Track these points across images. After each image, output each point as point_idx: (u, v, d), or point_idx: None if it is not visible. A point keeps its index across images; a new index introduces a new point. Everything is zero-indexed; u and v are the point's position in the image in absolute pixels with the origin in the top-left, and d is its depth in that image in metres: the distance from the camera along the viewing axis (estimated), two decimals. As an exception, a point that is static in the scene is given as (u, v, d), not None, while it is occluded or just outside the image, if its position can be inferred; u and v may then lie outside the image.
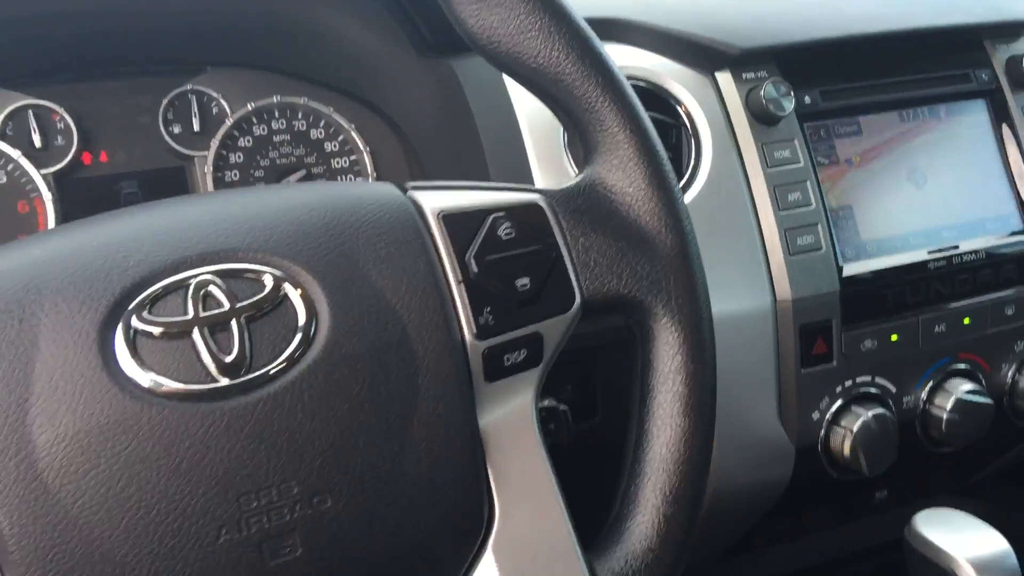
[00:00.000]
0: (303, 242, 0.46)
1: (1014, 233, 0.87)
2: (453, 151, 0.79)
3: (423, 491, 0.46)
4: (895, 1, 0.88)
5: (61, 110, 0.78)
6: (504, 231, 0.50)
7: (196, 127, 0.82)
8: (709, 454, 0.52)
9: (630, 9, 0.82)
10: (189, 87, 0.82)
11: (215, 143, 0.82)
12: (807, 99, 0.81)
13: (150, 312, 0.43)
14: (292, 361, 0.44)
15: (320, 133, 0.85)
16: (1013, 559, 0.70)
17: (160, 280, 0.44)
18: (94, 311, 0.42)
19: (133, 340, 0.42)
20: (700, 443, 0.52)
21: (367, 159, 0.85)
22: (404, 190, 0.51)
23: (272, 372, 0.43)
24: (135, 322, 0.43)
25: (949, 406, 0.84)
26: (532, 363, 0.50)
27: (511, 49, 0.52)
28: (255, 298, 0.44)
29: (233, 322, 0.44)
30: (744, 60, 0.80)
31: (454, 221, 0.49)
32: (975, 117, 0.89)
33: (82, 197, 0.79)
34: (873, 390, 0.83)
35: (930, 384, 0.85)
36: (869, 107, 0.85)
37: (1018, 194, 0.88)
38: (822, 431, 0.82)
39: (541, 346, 0.50)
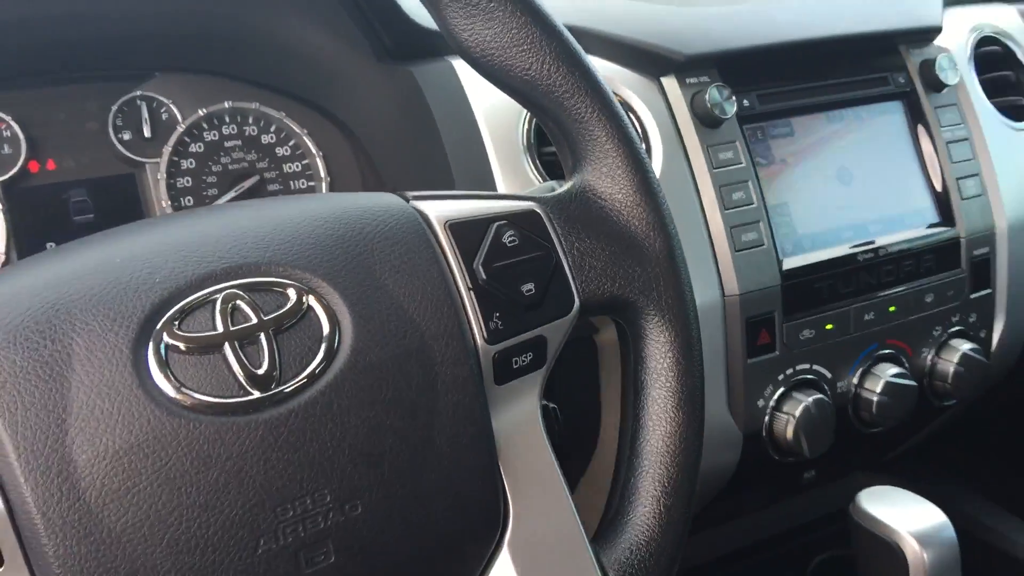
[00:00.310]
0: (322, 254, 0.47)
1: (931, 226, 0.94)
2: (414, 157, 0.80)
3: (446, 494, 0.48)
4: (823, 10, 0.93)
5: (8, 118, 0.76)
6: (508, 238, 0.52)
7: (147, 133, 0.81)
8: (701, 445, 0.55)
9: (579, 16, 0.84)
10: (138, 93, 0.81)
11: (167, 150, 0.81)
12: (745, 102, 0.86)
13: (180, 328, 0.43)
14: (319, 372, 0.45)
15: (271, 138, 0.85)
16: (951, 530, 0.76)
17: (188, 296, 0.44)
18: (126, 328, 0.42)
19: (165, 356, 0.43)
20: (694, 435, 0.55)
21: (319, 163, 0.86)
22: (406, 199, 0.52)
23: (301, 383, 0.44)
24: (166, 338, 0.43)
25: (879, 389, 0.90)
26: (537, 365, 0.53)
27: (504, 62, 0.54)
28: (281, 311, 0.45)
29: (261, 335, 0.44)
30: (688, 66, 0.84)
31: (460, 229, 0.51)
32: (893, 117, 0.95)
33: (30, 206, 0.77)
34: (811, 377, 0.88)
35: (861, 369, 0.91)
36: (800, 109, 0.90)
37: (933, 189, 0.95)
38: (766, 417, 0.86)
39: (545, 348, 0.53)
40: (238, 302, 0.45)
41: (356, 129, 0.85)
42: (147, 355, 0.42)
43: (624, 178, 0.55)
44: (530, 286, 0.52)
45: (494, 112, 0.77)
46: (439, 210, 0.52)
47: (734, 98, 0.83)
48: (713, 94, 0.82)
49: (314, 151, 0.86)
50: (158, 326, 0.43)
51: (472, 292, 0.50)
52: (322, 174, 0.86)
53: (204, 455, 0.42)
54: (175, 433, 0.42)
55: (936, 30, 0.98)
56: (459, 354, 0.49)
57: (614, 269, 0.54)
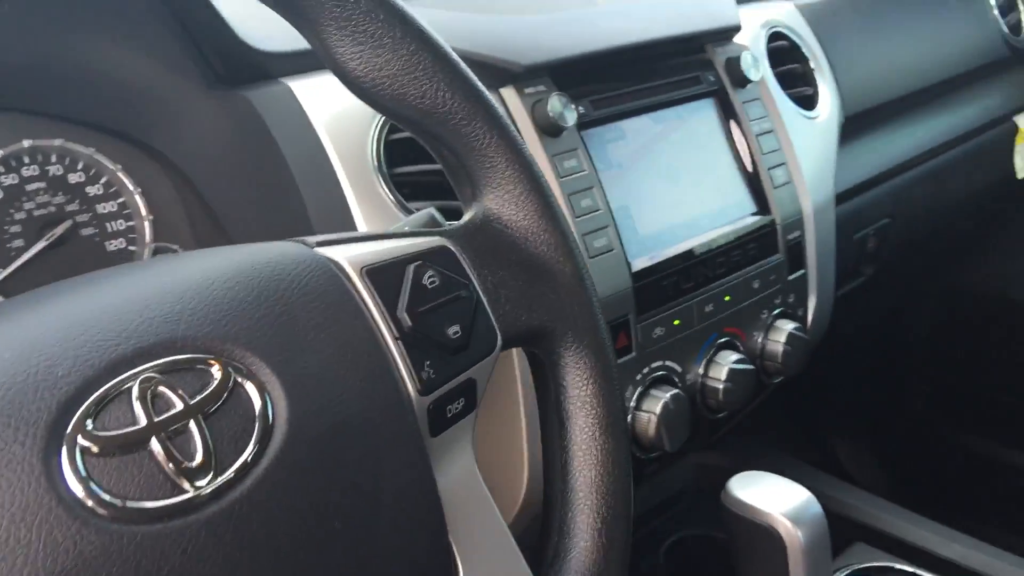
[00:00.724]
0: (240, 321, 0.42)
1: (751, 215, 0.99)
2: (253, 188, 0.74)
3: (398, 561, 0.44)
4: (639, 15, 0.95)
5: None
6: (428, 280, 0.48)
7: (-67, 183, 0.70)
8: (631, 468, 0.55)
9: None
10: (-85, 138, 0.70)
11: (-40, 200, 0.70)
12: (581, 109, 0.86)
13: (95, 426, 0.37)
14: (256, 456, 0.40)
15: (80, 177, 0.76)
16: (817, 505, 0.80)
17: (98, 387, 0.38)
18: (31, 437, 0.35)
19: (82, 462, 0.36)
20: (624, 460, 0.54)
21: (139, 200, 0.77)
22: (309, 246, 0.48)
23: (240, 470, 0.39)
24: (81, 440, 0.36)
25: (723, 376, 0.94)
26: (469, 409, 0.50)
27: (396, 91, 0.50)
28: (207, 391, 0.40)
29: (191, 422, 0.39)
30: (526, 76, 0.83)
31: (378, 275, 0.47)
32: (708, 114, 0.99)
33: None
34: (664, 373, 0.90)
35: (705, 360, 0.94)
36: (629, 113, 0.91)
37: (749, 180, 1.00)
38: (629, 417, 0.88)
39: (475, 391, 0.50)
40: (158, 387, 0.39)
41: (180, 162, 0.77)
42: (61, 464, 0.36)
43: (528, 203, 0.53)
44: (456, 328, 0.49)
45: (340, 135, 0.73)
46: (350, 256, 0.48)
47: (573, 106, 0.83)
48: (554, 103, 0.81)
49: (131, 187, 0.77)
50: (69, 428, 0.36)
51: (400, 342, 0.47)
52: (143, 212, 0.78)
53: (144, 571, 0.36)
54: (106, 552, 0.35)
55: (736, 28, 1.03)
56: (397, 412, 0.45)
57: (529, 298, 0.53)
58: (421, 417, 0.47)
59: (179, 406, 0.39)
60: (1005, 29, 1.59)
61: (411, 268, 0.48)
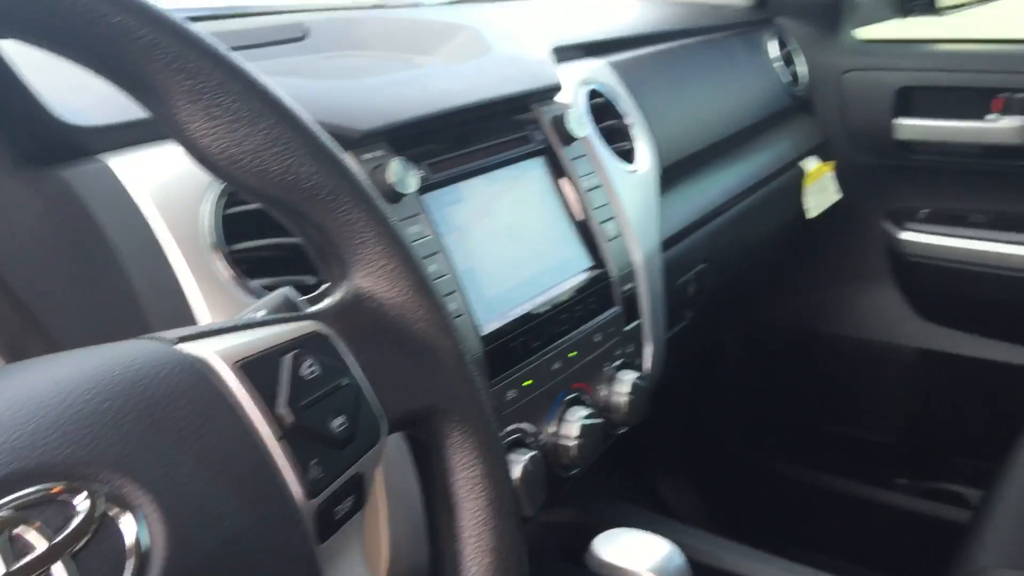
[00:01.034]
0: (103, 439, 0.36)
1: (586, 270, 1.00)
2: (78, 279, 0.66)
3: None
4: (467, 76, 0.95)
5: None
6: (307, 369, 0.44)
7: None
8: (525, 549, 0.52)
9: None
10: None
11: None
12: (421, 173, 0.84)
13: None
14: None
15: None
16: (681, 556, 0.80)
17: None
18: None
19: None
20: (518, 543, 0.52)
21: (-69, 296, 0.68)
22: (168, 342, 0.43)
23: None
24: None
25: (575, 433, 0.93)
26: (358, 507, 0.46)
27: (257, 168, 0.47)
28: (73, 526, 0.34)
29: (58, 565, 0.33)
30: (363, 141, 0.80)
31: (253, 369, 0.43)
32: (539, 172, 1.00)
33: None
34: (519, 435, 0.89)
35: (557, 418, 0.93)
36: (466, 174, 0.90)
37: (584, 235, 1.01)
38: (488, 485, 0.85)
39: (363, 486, 0.46)
40: (15, 528, 0.33)
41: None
42: None
43: (402, 279, 0.50)
44: (341, 419, 0.45)
45: (171, 212, 0.67)
46: (219, 350, 0.43)
47: (413, 170, 0.81)
48: (396, 168, 0.79)
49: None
50: None
51: (283, 441, 0.42)
52: (-63, 309, 0.68)
53: None
54: None
55: (556, 88, 1.05)
56: (284, 522, 0.41)
57: (412, 380, 0.50)
58: (309, 523, 0.43)
59: (41, 547, 0.33)
60: (786, 79, 1.71)
61: (287, 359, 0.44)
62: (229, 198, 0.70)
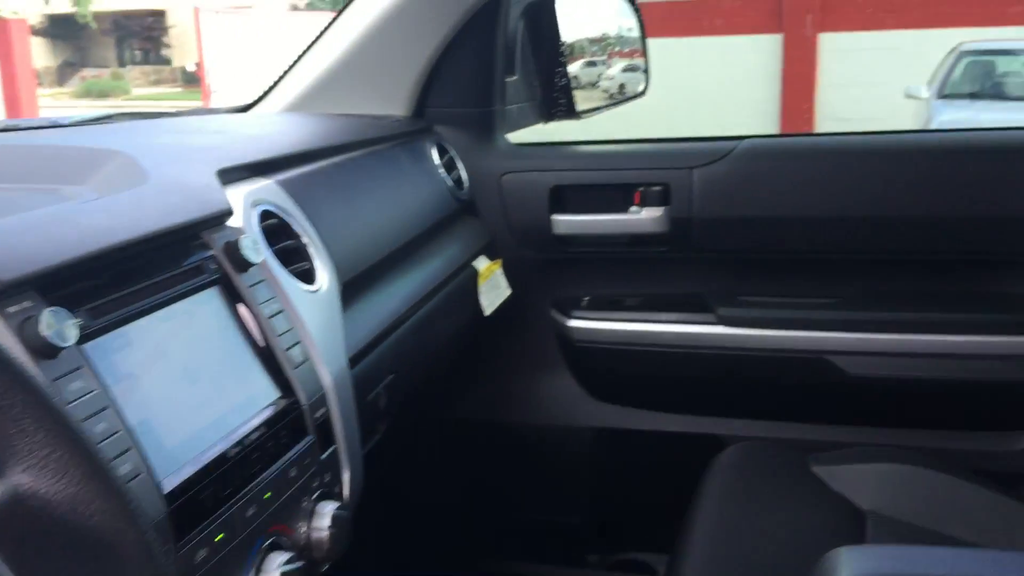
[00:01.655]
0: None
1: (275, 401, 0.95)
2: None
3: None
4: (125, 210, 0.87)
5: None
6: None
7: None
8: None
9: None
10: None
11: None
12: (80, 321, 0.76)
13: None
14: None
15: None
16: None
17: None
18: None
19: None
20: None
21: None
22: None
23: None
24: None
25: (275, 587, 0.86)
26: None
27: None
28: None
29: None
30: (8, 293, 0.71)
31: None
32: (215, 304, 0.94)
33: None
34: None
35: (254, 570, 0.86)
36: (134, 315, 0.82)
37: (270, 365, 0.96)
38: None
39: None
40: None
41: None
42: None
43: (71, 468, 0.44)
44: None
45: None
46: None
47: (71, 320, 0.72)
48: (49, 319, 0.70)
49: None
50: None
51: None
52: None
53: None
54: None
55: (227, 213, 1.00)
56: None
57: None
58: None
59: None
60: (450, 184, 1.77)
61: None
62: None
